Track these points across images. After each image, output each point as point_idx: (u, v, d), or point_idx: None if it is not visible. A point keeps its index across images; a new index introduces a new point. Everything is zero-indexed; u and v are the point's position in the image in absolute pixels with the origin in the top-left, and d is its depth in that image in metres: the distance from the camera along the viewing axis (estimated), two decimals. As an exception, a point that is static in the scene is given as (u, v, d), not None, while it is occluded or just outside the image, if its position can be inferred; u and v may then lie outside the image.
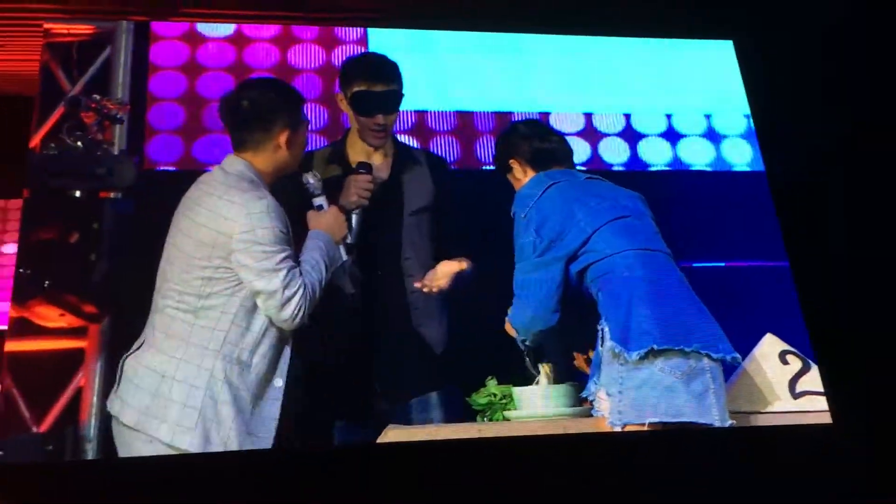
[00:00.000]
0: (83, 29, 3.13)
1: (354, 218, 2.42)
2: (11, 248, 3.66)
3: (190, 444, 2.10)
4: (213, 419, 2.11)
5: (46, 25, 3.10)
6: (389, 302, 2.50)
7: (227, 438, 2.11)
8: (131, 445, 2.14)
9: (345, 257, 2.32)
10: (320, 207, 2.33)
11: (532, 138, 2.45)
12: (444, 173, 2.67)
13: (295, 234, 2.26)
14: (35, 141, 2.97)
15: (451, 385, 2.54)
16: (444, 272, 2.44)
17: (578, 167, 3.25)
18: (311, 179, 2.33)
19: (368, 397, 2.47)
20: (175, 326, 2.18)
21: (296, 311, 2.15)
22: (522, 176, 2.43)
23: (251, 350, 2.17)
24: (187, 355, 2.15)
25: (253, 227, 2.14)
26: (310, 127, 2.42)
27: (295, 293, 2.15)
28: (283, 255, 2.15)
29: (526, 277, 2.27)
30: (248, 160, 2.28)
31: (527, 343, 2.35)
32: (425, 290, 2.44)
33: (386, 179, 2.56)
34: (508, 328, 2.42)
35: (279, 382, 2.21)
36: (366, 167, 2.45)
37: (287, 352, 2.23)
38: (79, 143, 2.92)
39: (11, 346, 2.60)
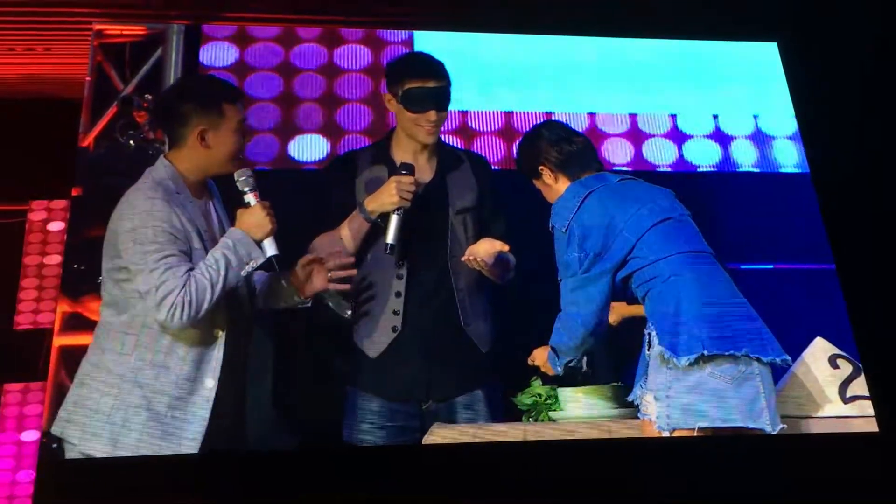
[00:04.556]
0: (135, 30, 3.19)
1: (395, 218, 2.41)
2: (55, 249, 3.74)
3: (97, 449, 2.10)
4: (120, 424, 2.10)
5: (99, 27, 3.17)
6: (436, 300, 2.49)
7: (137, 443, 2.10)
8: (67, 454, 2.16)
9: (270, 252, 2.21)
10: (248, 204, 2.25)
11: (560, 143, 2.40)
12: (487, 173, 2.67)
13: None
14: (88, 140, 3.04)
15: (496, 382, 2.54)
16: (486, 247, 2.41)
17: (621, 168, 3.26)
18: (241, 177, 2.25)
19: (416, 395, 2.47)
20: (98, 334, 2.20)
21: (171, 312, 2.07)
22: (553, 182, 2.40)
23: (166, 353, 2.14)
24: (101, 361, 2.15)
25: (135, 227, 2.12)
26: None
27: (169, 293, 2.07)
28: (161, 254, 2.09)
29: (574, 295, 2.24)
30: (171, 160, 2.25)
31: (571, 364, 2.31)
32: (470, 261, 2.40)
33: (432, 178, 2.57)
34: (541, 360, 2.38)
35: (210, 383, 2.17)
36: (408, 168, 2.44)
37: (216, 352, 2.19)
38: (131, 142, 2.99)
39: (64, 339, 2.67)
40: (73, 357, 2.47)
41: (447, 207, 2.54)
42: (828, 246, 3.14)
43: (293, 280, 2.36)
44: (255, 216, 2.22)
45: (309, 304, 2.40)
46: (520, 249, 2.51)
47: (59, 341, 2.70)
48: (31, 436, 3.38)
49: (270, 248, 2.23)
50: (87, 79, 3.12)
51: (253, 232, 2.21)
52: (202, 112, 2.23)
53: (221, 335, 2.21)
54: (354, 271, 2.41)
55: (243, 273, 2.20)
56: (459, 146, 3.12)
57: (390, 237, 2.41)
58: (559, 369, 2.31)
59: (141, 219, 2.12)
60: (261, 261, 2.21)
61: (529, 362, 2.45)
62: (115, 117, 3.05)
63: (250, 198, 2.24)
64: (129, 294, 2.15)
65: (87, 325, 2.58)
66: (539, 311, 2.38)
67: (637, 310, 2.35)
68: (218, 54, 3.21)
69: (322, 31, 3.32)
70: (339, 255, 2.39)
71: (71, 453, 2.14)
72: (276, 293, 2.41)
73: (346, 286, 2.41)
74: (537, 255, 2.39)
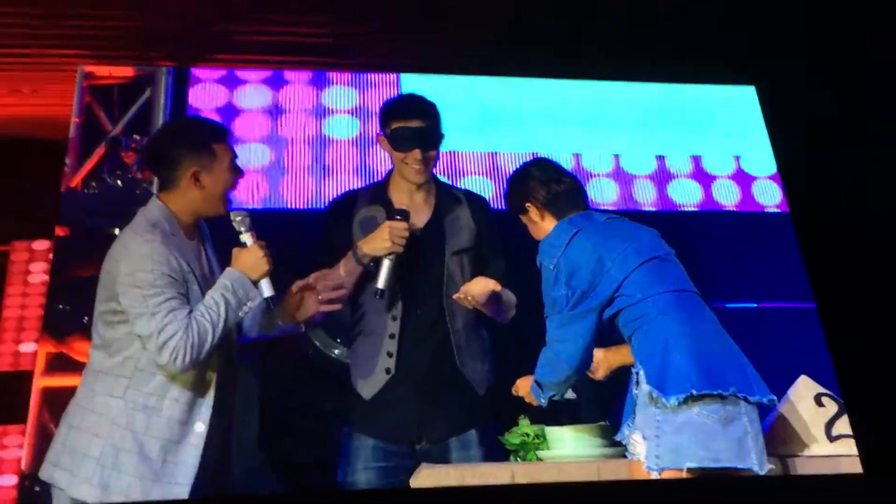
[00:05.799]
0: (124, 72, 3.22)
1: (387, 263, 2.41)
2: (38, 290, 3.70)
3: (87, 494, 2.05)
4: (112, 468, 2.07)
5: (88, 68, 3.19)
6: (432, 341, 2.48)
7: (127, 487, 2.06)
8: (55, 500, 2.11)
9: (266, 293, 2.21)
10: (244, 244, 2.23)
11: (548, 182, 2.42)
12: (485, 213, 2.66)
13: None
14: (76, 180, 3.05)
15: (493, 422, 2.52)
16: (480, 286, 2.40)
17: (606, 208, 3.30)
18: (237, 217, 2.25)
19: (409, 436, 2.45)
20: (88, 376, 2.17)
21: (174, 355, 2.05)
22: (539, 220, 2.41)
23: (159, 395, 2.12)
24: (92, 404, 2.12)
25: (133, 271, 2.09)
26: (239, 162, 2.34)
27: (171, 337, 2.05)
28: (161, 297, 2.07)
29: (561, 332, 2.24)
30: (164, 201, 2.24)
31: (555, 398, 2.32)
32: (460, 298, 2.40)
33: (428, 219, 2.57)
34: (525, 390, 2.38)
35: (200, 427, 2.15)
36: (403, 214, 2.45)
37: (207, 396, 2.18)
38: (119, 182, 3.00)
39: (48, 381, 2.64)
40: (57, 399, 2.45)
41: (443, 248, 2.55)
42: (808, 285, 3.17)
43: (285, 306, 2.36)
44: (251, 257, 2.22)
45: (303, 330, 2.39)
46: (524, 289, 2.50)
47: (42, 382, 2.67)
48: (8, 480, 3.32)
49: (267, 288, 2.23)
50: (75, 119, 3.14)
51: (249, 272, 2.20)
52: (194, 154, 2.24)
53: (214, 378, 2.20)
54: (343, 291, 2.40)
55: (241, 314, 2.19)
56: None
57: (381, 282, 2.41)
58: (543, 401, 2.31)
59: (140, 262, 2.10)
60: (258, 301, 2.21)
61: (513, 392, 2.44)
62: (104, 157, 3.07)
63: (246, 238, 2.24)
64: (122, 336, 2.13)
65: (72, 367, 2.57)
66: (536, 350, 2.37)
67: (625, 359, 2.36)
68: (207, 96, 3.24)
69: (310, 73, 3.36)
70: (330, 277, 2.38)
71: (59, 499, 2.10)
72: (269, 320, 2.39)
73: (338, 306, 2.39)
74: (536, 294, 2.38)
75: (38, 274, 3.72)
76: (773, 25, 3.52)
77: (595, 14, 3.45)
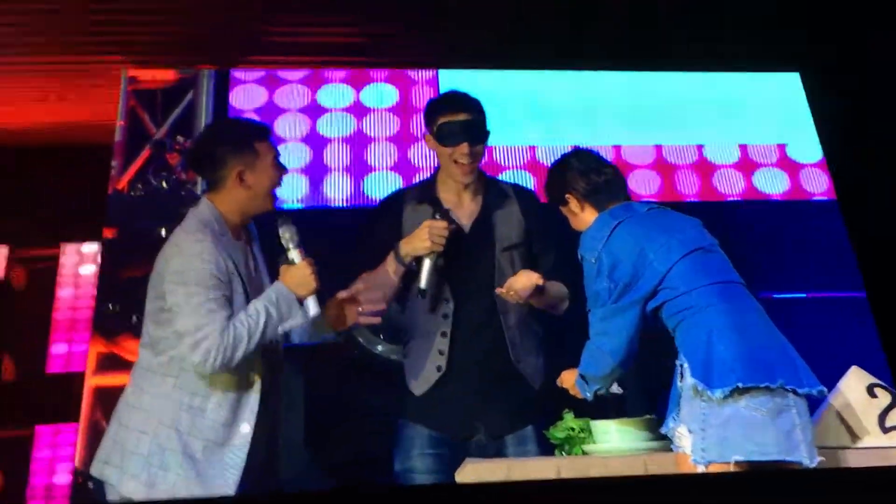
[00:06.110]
0: (167, 75, 3.28)
1: (427, 263, 2.42)
2: (87, 293, 3.79)
3: (135, 491, 2.08)
4: (158, 466, 2.09)
5: (132, 73, 3.26)
6: (484, 339, 2.49)
7: (173, 485, 2.08)
8: (107, 495, 2.15)
9: (313, 312, 2.22)
10: (292, 261, 2.24)
11: (588, 173, 2.39)
12: (535, 206, 2.65)
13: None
14: (122, 182, 3.12)
15: (549, 417, 2.51)
16: (522, 281, 2.39)
17: (648, 199, 3.26)
18: (285, 233, 2.25)
19: (462, 432, 2.47)
20: (136, 374, 2.20)
21: (205, 357, 2.06)
22: (579, 211, 2.39)
23: (204, 396, 2.14)
24: (140, 402, 2.15)
25: (182, 269, 2.12)
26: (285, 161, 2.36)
27: (206, 337, 2.06)
28: (204, 297, 2.09)
29: (604, 325, 2.22)
30: (212, 201, 2.27)
31: (600, 391, 2.30)
32: (502, 293, 2.40)
33: (476, 217, 2.58)
34: (570, 383, 2.35)
35: (246, 429, 2.16)
36: (443, 213, 2.46)
37: (252, 398, 2.19)
38: (164, 184, 3.06)
39: (99, 380, 2.71)
40: (108, 397, 2.50)
41: (493, 244, 2.55)
42: (858, 274, 3.11)
43: (326, 315, 2.37)
44: (299, 274, 2.23)
45: (341, 341, 2.40)
46: (575, 281, 2.49)
47: (93, 381, 2.74)
48: (62, 478, 3.40)
49: (313, 306, 2.24)
50: (120, 123, 3.21)
51: (297, 289, 2.21)
52: (237, 154, 2.27)
53: (258, 380, 2.22)
54: (383, 305, 2.42)
55: (281, 330, 2.20)
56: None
57: (422, 282, 2.42)
58: (588, 395, 2.29)
59: (190, 260, 2.13)
60: (299, 320, 2.21)
61: (558, 384, 2.42)
62: (149, 160, 3.13)
63: (294, 255, 2.25)
64: (169, 335, 2.16)
65: (123, 366, 2.62)
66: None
67: None
68: (247, 97, 3.29)
69: (348, 71, 3.39)
70: (372, 281, 2.40)
71: (111, 495, 2.14)
72: (312, 330, 2.41)
73: (377, 319, 2.42)
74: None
75: (88, 276, 3.81)
76: (774, 24, 3.46)
77: (596, 13, 3.42)
